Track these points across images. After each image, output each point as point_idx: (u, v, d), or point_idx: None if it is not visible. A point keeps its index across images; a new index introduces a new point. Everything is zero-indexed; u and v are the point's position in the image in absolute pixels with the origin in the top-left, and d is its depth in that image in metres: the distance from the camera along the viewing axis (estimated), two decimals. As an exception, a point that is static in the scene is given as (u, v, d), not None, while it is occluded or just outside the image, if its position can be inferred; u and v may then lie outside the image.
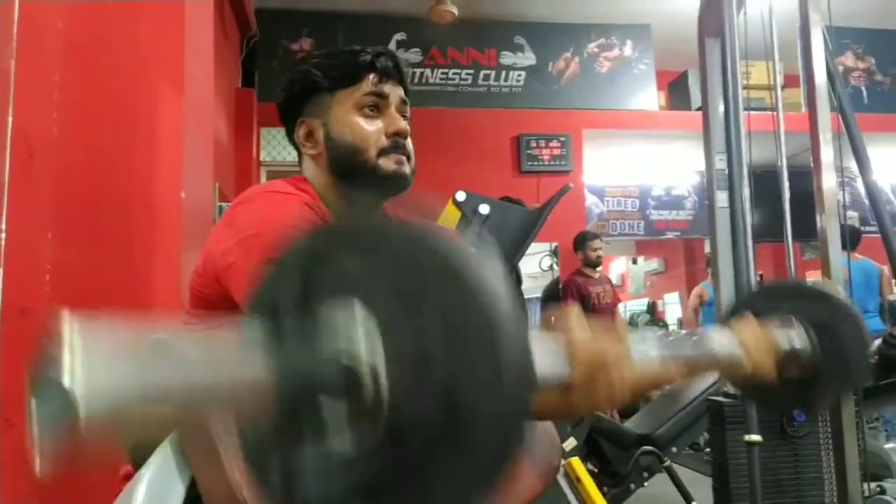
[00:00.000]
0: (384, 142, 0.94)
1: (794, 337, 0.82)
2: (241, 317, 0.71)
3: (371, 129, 0.94)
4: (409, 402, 0.36)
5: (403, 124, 0.96)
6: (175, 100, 1.57)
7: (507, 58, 5.40)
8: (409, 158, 0.96)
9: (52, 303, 1.47)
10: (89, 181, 1.52)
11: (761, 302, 0.90)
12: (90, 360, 0.31)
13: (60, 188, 1.50)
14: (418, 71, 5.30)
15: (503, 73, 5.38)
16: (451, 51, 5.32)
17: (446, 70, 5.32)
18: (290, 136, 1.01)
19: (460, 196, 2.99)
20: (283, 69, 5.03)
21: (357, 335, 0.37)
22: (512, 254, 3.09)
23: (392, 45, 5.25)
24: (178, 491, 0.68)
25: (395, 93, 0.97)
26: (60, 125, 1.50)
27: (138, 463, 0.72)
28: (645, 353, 0.61)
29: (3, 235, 1.49)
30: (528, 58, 5.42)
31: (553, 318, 0.58)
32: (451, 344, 0.35)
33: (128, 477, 0.73)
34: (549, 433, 1.04)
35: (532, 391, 0.37)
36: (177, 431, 0.71)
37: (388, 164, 0.94)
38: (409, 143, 0.96)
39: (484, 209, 2.96)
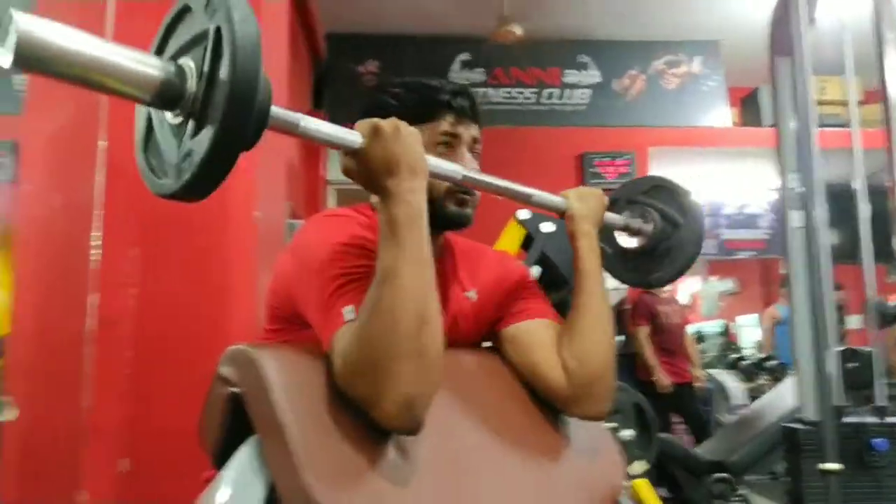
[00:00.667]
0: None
1: (633, 218, 1.26)
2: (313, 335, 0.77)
3: None
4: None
5: (472, 164, 0.98)
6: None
7: (572, 76, 5.39)
8: (473, 196, 0.99)
9: (139, 315, 1.57)
10: (170, 202, 1.62)
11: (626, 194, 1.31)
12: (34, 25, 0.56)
13: (144, 209, 1.60)
14: (481, 90, 5.35)
15: (567, 91, 5.37)
16: (515, 70, 5.36)
17: (509, 89, 5.36)
18: None
19: (523, 214, 3.00)
20: (351, 91, 5.20)
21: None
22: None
23: (456, 66, 5.34)
24: (258, 492, 0.72)
25: (468, 132, 0.99)
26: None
27: (219, 466, 0.77)
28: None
29: (97, 251, 1.60)
30: (592, 75, 5.40)
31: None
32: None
33: (209, 480, 0.77)
34: (611, 453, 1.03)
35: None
36: (256, 437, 0.75)
37: (451, 204, 0.97)
38: None
39: (547, 227, 2.97)
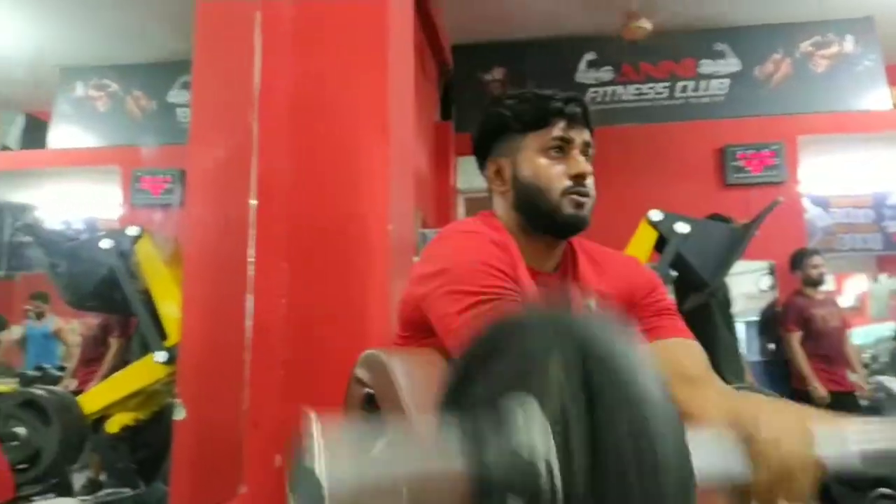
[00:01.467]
0: (566, 183, 0.98)
1: None
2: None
3: (555, 172, 0.99)
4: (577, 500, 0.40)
5: (585, 166, 1.00)
6: (381, 144, 1.76)
7: (707, 66, 5.13)
8: (588, 197, 1.00)
9: (288, 323, 1.71)
10: (314, 219, 1.75)
11: None
12: (333, 454, 0.40)
13: (292, 225, 1.75)
14: (610, 89, 5.24)
15: (703, 82, 5.13)
16: (645, 65, 5.19)
17: (640, 85, 5.20)
18: (481, 169, 1.09)
19: (655, 216, 2.92)
20: (477, 100, 5.29)
21: (535, 433, 0.41)
22: (714, 273, 2.93)
23: (582, 66, 5.27)
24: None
25: (580, 137, 1.01)
26: (291, 172, 1.76)
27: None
28: (841, 448, 0.57)
29: (252, 266, 1.77)
30: (730, 64, 5.11)
31: (740, 412, 0.56)
32: (614, 450, 0.38)
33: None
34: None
35: (691, 495, 0.38)
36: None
37: (568, 205, 0.98)
38: (590, 182, 1.00)
39: (682, 228, 2.86)
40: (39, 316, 5.70)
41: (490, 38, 5.24)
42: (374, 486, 0.40)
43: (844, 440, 0.57)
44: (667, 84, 5.17)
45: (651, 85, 5.19)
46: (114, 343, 3.79)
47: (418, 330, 0.96)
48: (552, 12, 4.83)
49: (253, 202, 1.77)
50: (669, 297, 1.09)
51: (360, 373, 0.88)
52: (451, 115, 5.12)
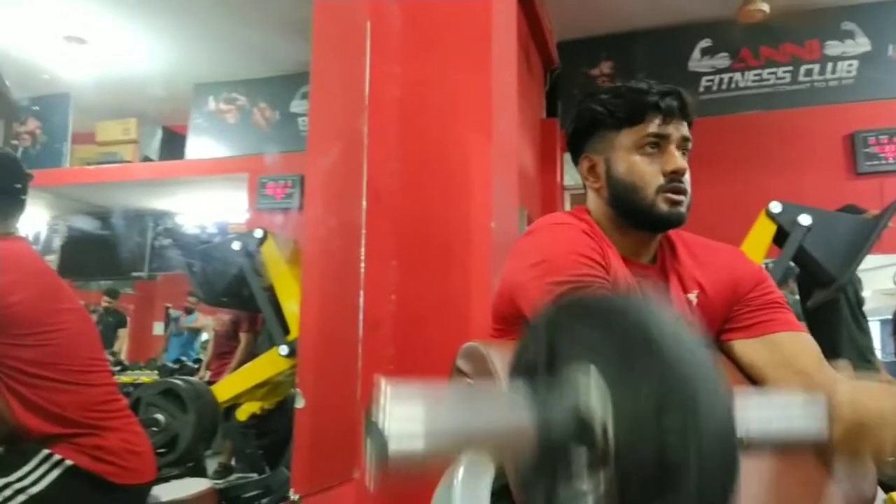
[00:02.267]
0: (661, 180, 0.97)
1: None
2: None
3: (650, 169, 0.98)
4: (630, 455, 0.44)
5: (681, 162, 0.98)
6: (483, 144, 1.81)
7: (834, 47, 4.77)
8: (685, 194, 0.98)
9: (397, 318, 1.80)
10: (420, 218, 1.83)
11: None
12: (398, 412, 0.44)
13: (399, 225, 1.84)
14: (727, 76, 5.00)
15: (829, 65, 4.77)
16: (765, 49, 4.91)
17: (759, 71, 4.92)
18: (576, 166, 1.11)
19: (775, 207, 2.78)
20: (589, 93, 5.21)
21: (592, 395, 0.46)
22: (842, 268, 2.74)
23: (696, 54, 5.06)
24: (490, 471, 0.82)
25: (677, 131, 0.99)
26: (398, 175, 1.85)
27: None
28: None
29: (363, 264, 1.88)
30: (860, 44, 4.72)
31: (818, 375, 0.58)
32: (663, 407, 0.42)
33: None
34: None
35: (735, 450, 0.42)
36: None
37: (663, 203, 0.97)
38: (686, 178, 0.98)
39: (805, 220, 2.71)
40: (189, 311, 6.24)
41: (596, 32, 5.15)
42: (439, 437, 0.45)
43: None
44: (789, 68, 4.86)
45: (772, 70, 4.90)
46: (243, 338, 4.10)
47: (512, 323, 0.99)
48: (659, 1, 4.68)
49: (364, 204, 1.88)
50: (777, 291, 1.06)
51: (461, 363, 0.93)
52: (556, 112, 5.09)
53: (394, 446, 0.43)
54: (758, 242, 2.78)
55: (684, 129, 1.00)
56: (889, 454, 0.55)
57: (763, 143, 4.56)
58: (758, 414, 0.55)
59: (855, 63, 4.73)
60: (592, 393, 0.46)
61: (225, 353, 4.31)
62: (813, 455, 0.86)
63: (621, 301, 0.50)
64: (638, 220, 1.00)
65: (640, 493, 0.43)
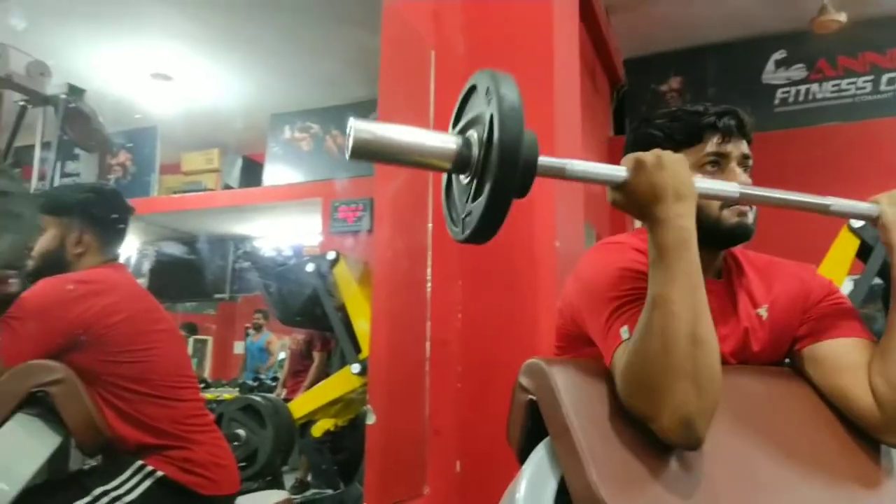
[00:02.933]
0: None
1: None
2: (596, 351, 0.88)
3: None
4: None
5: (743, 178, 0.99)
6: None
7: (919, 54, 4.55)
8: (750, 208, 0.99)
9: (463, 336, 1.84)
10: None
11: None
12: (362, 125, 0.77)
13: (464, 246, 1.88)
14: (803, 88, 4.84)
15: (914, 72, 4.55)
16: (843, 59, 4.73)
17: (838, 81, 4.74)
18: None
19: (856, 222, 2.65)
20: (653, 112, 5.14)
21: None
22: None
23: (770, 67, 4.92)
24: (551, 486, 0.85)
25: (737, 149, 1.00)
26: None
27: (522, 462, 0.91)
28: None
29: (430, 285, 1.93)
30: (947, 49, 4.49)
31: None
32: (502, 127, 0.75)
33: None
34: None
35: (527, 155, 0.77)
36: (549, 438, 0.88)
37: (729, 216, 0.98)
38: None
39: (888, 235, 2.57)
40: (258, 328, 6.47)
41: (664, 48, 5.10)
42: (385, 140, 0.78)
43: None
44: (870, 78, 4.66)
45: (851, 80, 4.71)
46: (317, 356, 4.23)
47: (573, 341, 1.01)
48: (732, 14, 4.59)
49: (430, 226, 1.93)
50: (848, 301, 1.05)
51: (523, 380, 0.95)
52: (624, 129, 5.05)
53: (355, 136, 0.76)
54: (840, 258, 2.67)
55: (744, 147, 1.01)
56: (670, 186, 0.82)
57: (843, 155, 4.37)
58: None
59: (942, 70, 4.49)
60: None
61: (299, 372, 4.45)
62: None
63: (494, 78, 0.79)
64: (704, 236, 1.01)
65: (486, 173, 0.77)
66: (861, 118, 4.57)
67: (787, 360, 1.06)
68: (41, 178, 2.10)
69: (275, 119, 6.07)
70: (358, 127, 0.76)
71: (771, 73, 4.93)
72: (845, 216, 0.97)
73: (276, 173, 6.00)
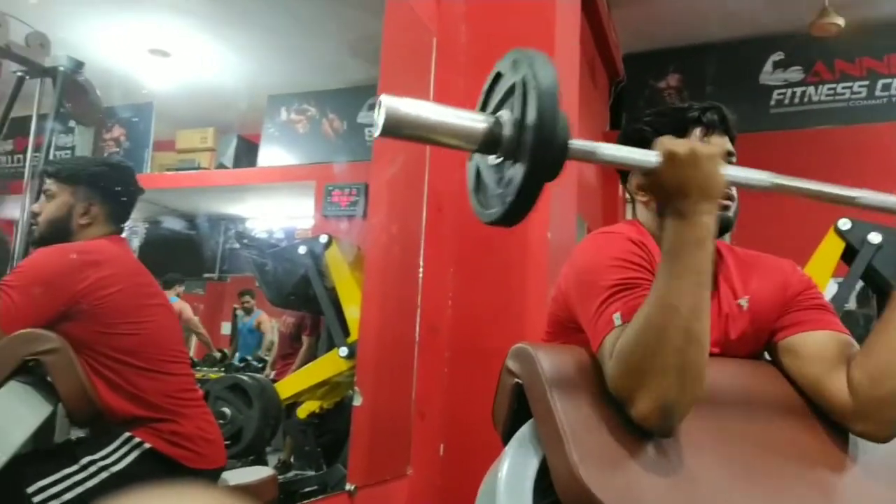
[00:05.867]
0: None
1: None
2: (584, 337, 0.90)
3: None
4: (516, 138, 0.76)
5: None
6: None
7: (915, 61, 4.59)
8: (732, 200, 1.04)
9: (453, 323, 1.87)
10: (477, 227, 1.88)
11: None
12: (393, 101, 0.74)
13: (458, 234, 1.90)
14: (799, 90, 4.87)
15: (910, 79, 4.59)
16: (840, 63, 4.76)
17: (834, 85, 4.78)
18: (624, 184, 1.15)
19: (844, 224, 2.71)
20: (649, 109, 5.15)
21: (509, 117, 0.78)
22: (915, 289, 2.63)
23: (768, 67, 4.95)
24: (533, 465, 0.87)
25: (720, 144, 1.04)
26: (458, 183, 1.91)
27: (506, 443, 0.94)
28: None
29: (421, 271, 1.95)
30: (943, 57, 4.53)
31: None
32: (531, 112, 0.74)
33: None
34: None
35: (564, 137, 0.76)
36: (533, 420, 0.90)
37: None
38: (733, 188, 1.03)
39: (875, 238, 2.63)
40: (248, 311, 6.47)
41: (663, 44, 5.11)
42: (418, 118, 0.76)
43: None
44: (865, 83, 4.70)
45: (847, 84, 4.74)
46: (306, 340, 4.25)
47: (563, 328, 1.04)
48: (732, 14, 4.61)
49: (424, 213, 1.95)
50: (824, 297, 1.08)
51: (511, 363, 0.98)
52: (621, 124, 5.07)
53: (388, 113, 0.73)
54: (825, 259, 2.71)
55: (727, 144, 1.05)
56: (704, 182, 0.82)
57: (835, 158, 4.41)
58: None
59: (937, 77, 4.53)
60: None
61: (288, 355, 4.47)
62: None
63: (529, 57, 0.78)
64: None
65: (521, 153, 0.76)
66: (855, 122, 4.61)
67: (765, 354, 1.09)
68: (36, 148, 2.09)
69: (272, 100, 6.04)
70: (389, 103, 0.73)
71: (768, 74, 4.95)
72: (874, 209, 0.96)
73: (272, 155, 5.98)
